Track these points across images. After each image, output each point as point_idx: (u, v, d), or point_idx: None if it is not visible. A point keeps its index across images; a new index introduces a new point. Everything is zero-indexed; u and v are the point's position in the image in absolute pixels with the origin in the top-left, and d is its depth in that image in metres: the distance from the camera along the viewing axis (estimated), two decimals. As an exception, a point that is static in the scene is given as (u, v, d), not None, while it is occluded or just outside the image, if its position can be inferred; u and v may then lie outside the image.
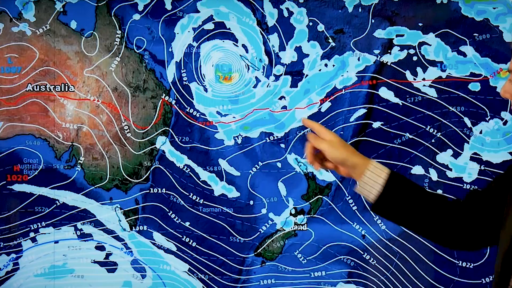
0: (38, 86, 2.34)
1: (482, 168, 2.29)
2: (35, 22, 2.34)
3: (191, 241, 2.37)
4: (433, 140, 2.31)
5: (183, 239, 2.37)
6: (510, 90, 1.17)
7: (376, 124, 2.32)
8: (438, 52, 2.30)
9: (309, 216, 2.35)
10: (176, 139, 2.35)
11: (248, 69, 2.34)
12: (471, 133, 2.30)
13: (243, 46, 2.34)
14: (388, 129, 2.32)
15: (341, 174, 1.32)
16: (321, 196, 2.35)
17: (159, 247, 2.37)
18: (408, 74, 2.31)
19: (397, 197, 1.24)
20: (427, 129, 2.31)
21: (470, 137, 2.30)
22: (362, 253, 2.35)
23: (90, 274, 2.37)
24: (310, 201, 2.35)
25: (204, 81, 2.35)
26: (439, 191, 2.30)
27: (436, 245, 2.31)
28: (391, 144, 2.32)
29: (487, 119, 2.29)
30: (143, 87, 2.35)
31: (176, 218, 2.36)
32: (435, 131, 2.31)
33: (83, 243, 2.37)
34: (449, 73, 2.30)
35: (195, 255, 2.37)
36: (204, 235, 2.36)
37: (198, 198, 2.36)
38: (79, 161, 2.35)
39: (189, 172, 2.36)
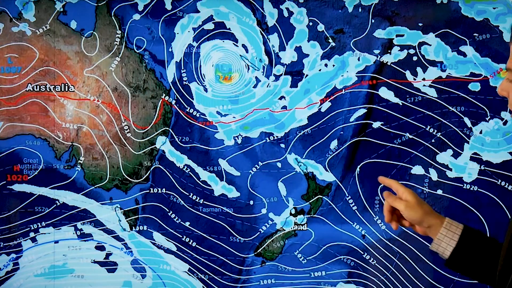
0: (38, 86, 2.34)
1: (482, 168, 2.29)
2: (35, 22, 2.34)
3: (191, 241, 2.37)
4: (433, 140, 2.31)
5: (183, 239, 2.37)
6: (507, 88, 1.17)
7: (376, 124, 2.32)
8: (438, 52, 2.30)
9: (309, 216, 2.35)
10: (176, 139, 2.35)
11: (248, 69, 2.34)
12: (471, 133, 2.30)
13: (243, 46, 2.34)
14: (388, 129, 2.32)
15: (417, 231, 1.35)
16: (321, 196, 2.35)
17: (159, 247, 2.37)
18: (408, 74, 2.31)
19: (471, 251, 1.26)
20: (427, 129, 2.31)
21: (470, 137, 2.30)
22: (362, 253, 2.35)
23: (90, 274, 2.37)
24: (310, 201, 2.35)
25: (204, 81, 2.35)
26: (439, 191, 2.30)
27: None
28: (391, 144, 2.32)
29: (487, 119, 2.29)
30: (143, 87, 2.35)
31: (176, 218, 2.36)
32: (435, 131, 2.31)
33: (83, 243, 2.37)
34: (449, 73, 2.30)
35: (195, 255, 2.37)
36: (204, 235, 2.36)
37: (198, 198, 2.36)
38: (79, 161, 2.35)
39: (189, 172, 2.36)
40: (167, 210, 2.36)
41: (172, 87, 2.35)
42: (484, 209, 2.29)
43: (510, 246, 1.14)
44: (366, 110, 2.32)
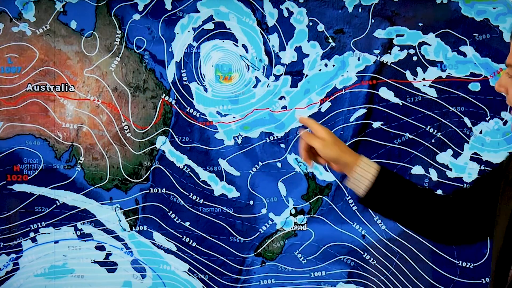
0: (38, 86, 2.34)
1: (482, 168, 2.29)
2: (35, 22, 2.34)
3: (191, 241, 2.37)
4: (433, 140, 2.31)
5: (183, 239, 2.37)
6: (505, 83, 1.16)
7: (376, 124, 2.32)
8: (438, 52, 2.30)
9: (309, 216, 2.35)
10: (176, 139, 2.35)
11: (248, 69, 2.35)
12: (471, 133, 2.30)
13: (243, 46, 2.34)
14: (388, 129, 2.32)
15: (333, 169, 1.36)
16: (321, 196, 2.35)
17: (159, 247, 2.37)
18: (408, 74, 2.31)
19: (385, 191, 1.27)
20: (427, 129, 2.31)
21: (470, 137, 2.30)
22: (362, 253, 2.35)
23: (90, 274, 2.37)
24: (310, 201, 2.35)
25: (204, 81, 2.35)
26: (439, 191, 2.30)
27: (436, 245, 2.31)
28: (391, 144, 2.32)
29: (487, 119, 2.29)
30: (143, 87, 2.35)
31: (176, 218, 2.36)
32: (435, 131, 2.31)
33: (83, 243, 2.37)
34: (449, 73, 2.30)
35: (195, 255, 2.37)
36: (204, 235, 2.36)
37: (198, 198, 2.36)
38: (79, 161, 2.35)
39: (189, 172, 2.36)
40: (167, 210, 2.36)
41: (172, 87, 2.35)
42: (484, 209, 2.28)
43: (503, 246, 1.13)
44: (366, 110, 2.32)
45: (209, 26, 2.34)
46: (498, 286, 1.14)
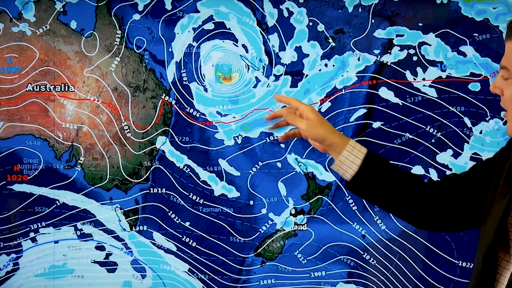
0: (38, 86, 2.34)
1: (482, 168, 2.29)
2: (35, 22, 2.34)
3: (191, 241, 2.37)
4: (433, 140, 2.31)
5: (183, 239, 2.37)
6: (500, 85, 1.16)
7: (376, 124, 2.32)
8: (438, 52, 2.30)
9: (309, 216, 2.35)
10: (176, 139, 2.35)
11: (248, 69, 2.35)
12: (471, 133, 2.30)
13: (243, 46, 2.34)
14: (388, 129, 2.32)
15: (316, 148, 1.31)
16: (321, 196, 2.35)
17: (159, 247, 2.37)
18: (408, 74, 2.31)
19: (373, 177, 1.24)
20: (427, 129, 2.31)
21: (470, 137, 2.30)
22: (362, 253, 2.35)
23: (90, 274, 2.37)
24: (310, 201, 2.35)
25: (204, 81, 2.35)
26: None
27: (436, 245, 2.31)
28: (391, 144, 2.32)
29: (487, 119, 2.29)
30: (143, 87, 2.35)
31: (176, 218, 2.36)
32: (435, 131, 2.31)
33: (83, 243, 2.37)
34: (449, 73, 2.30)
35: (195, 255, 2.37)
36: (204, 235, 2.36)
37: (198, 198, 2.36)
38: (79, 161, 2.35)
39: (189, 172, 2.36)
40: (167, 210, 2.36)
41: (172, 87, 2.35)
42: (484, 209, 2.28)
43: (493, 243, 1.12)
44: (366, 110, 2.32)
45: (209, 26, 2.34)
46: (484, 283, 1.12)
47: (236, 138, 2.35)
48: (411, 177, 1.29)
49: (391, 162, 1.31)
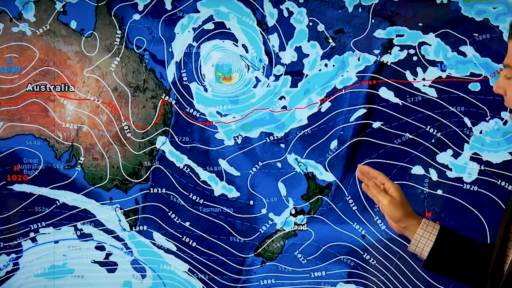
0: (38, 86, 2.34)
1: (482, 168, 2.29)
2: (35, 22, 2.34)
3: (191, 241, 2.37)
4: (433, 140, 2.31)
5: (183, 239, 2.37)
6: (503, 85, 1.16)
7: (376, 124, 2.32)
8: (438, 52, 2.30)
9: (309, 216, 2.35)
10: (176, 139, 2.35)
11: (248, 69, 2.34)
12: (471, 133, 2.30)
13: (243, 46, 2.34)
14: (388, 129, 2.32)
15: (392, 227, 1.32)
16: (321, 196, 2.35)
17: (159, 247, 2.37)
18: (408, 74, 2.31)
19: (449, 252, 1.24)
20: (427, 129, 2.31)
21: (470, 137, 2.30)
22: (362, 253, 2.35)
23: (90, 274, 2.37)
24: (310, 201, 2.35)
25: (204, 81, 2.35)
26: (439, 191, 2.30)
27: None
28: (391, 144, 2.32)
29: (487, 119, 2.29)
30: (143, 87, 2.35)
31: (176, 218, 2.36)
32: (435, 131, 2.31)
33: (83, 243, 2.37)
34: (449, 73, 2.30)
35: (195, 255, 2.37)
36: (204, 235, 2.36)
37: (198, 198, 2.36)
38: (79, 161, 2.35)
39: (189, 172, 2.36)
40: (167, 210, 2.36)
41: (172, 87, 2.35)
42: (484, 209, 2.29)
43: (503, 241, 1.14)
44: (366, 110, 2.32)
45: (209, 26, 2.34)
46: (494, 281, 1.14)
47: (236, 138, 2.35)
48: (477, 245, 1.29)
49: (459, 234, 1.29)
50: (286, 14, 2.33)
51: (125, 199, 2.36)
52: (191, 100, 2.35)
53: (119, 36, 2.34)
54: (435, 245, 1.23)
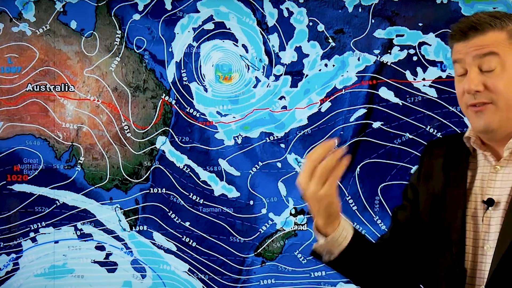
0: (38, 86, 2.34)
1: (482, 168, 2.29)
2: (35, 22, 2.34)
3: (191, 241, 2.37)
4: (433, 140, 2.31)
5: (183, 239, 2.37)
6: (483, 79, 1.13)
7: (376, 124, 2.32)
8: (438, 52, 2.30)
9: (309, 216, 2.35)
10: (176, 139, 2.35)
11: (248, 69, 2.35)
12: (471, 133, 2.29)
13: (243, 46, 2.34)
14: (388, 129, 2.32)
15: (310, 207, 1.14)
16: (321, 196, 2.34)
17: (159, 247, 2.37)
18: (408, 74, 2.31)
19: (358, 254, 1.17)
20: (427, 129, 2.31)
21: (470, 137, 2.30)
22: (362, 253, 2.34)
23: (90, 274, 2.37)
24: (310, 201, 2.35)
25: (204, 81, 2.35)
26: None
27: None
28: (391, 144, 2.32)
29: (487, 119, 2.29)
30: (143, 87, 2.35)
31: (176, 218, 2.36)
32: (435, 131, 2.31)
33: (83, 243, 2.37)
34: (449, 73, 2.30)
35: (195, 255, 2.37)
36: (204, 235, 2.36)
37: (198, 198, 2.36)
38: (79, 161, 2.35)
39: (189, 172, 2.36)
40: (167, 210, 2.36)
41: (172, 87, 2.35)
42: (484, 209, 2.28)
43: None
44: (366, 110, 2.32)
45: (209, 26, 2.34)
46: (453, 282, 1.12)
47: (236, 138, 2.35)
48: (375, 245, 1.25)
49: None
50: (286, 14, 2.33)
51: (125, 199, 2.36)
52: (191, 100, 2.35)
53: (119, 36, 2.34)
54: (347, 248, 1.13)
